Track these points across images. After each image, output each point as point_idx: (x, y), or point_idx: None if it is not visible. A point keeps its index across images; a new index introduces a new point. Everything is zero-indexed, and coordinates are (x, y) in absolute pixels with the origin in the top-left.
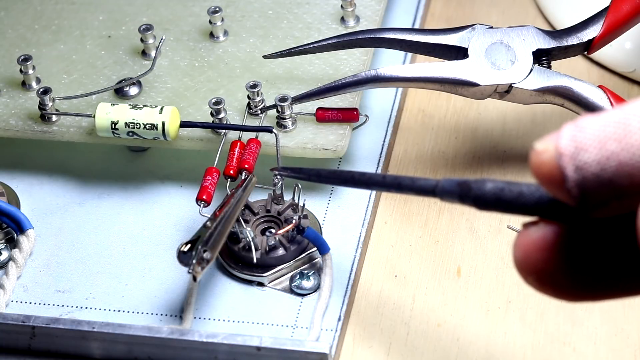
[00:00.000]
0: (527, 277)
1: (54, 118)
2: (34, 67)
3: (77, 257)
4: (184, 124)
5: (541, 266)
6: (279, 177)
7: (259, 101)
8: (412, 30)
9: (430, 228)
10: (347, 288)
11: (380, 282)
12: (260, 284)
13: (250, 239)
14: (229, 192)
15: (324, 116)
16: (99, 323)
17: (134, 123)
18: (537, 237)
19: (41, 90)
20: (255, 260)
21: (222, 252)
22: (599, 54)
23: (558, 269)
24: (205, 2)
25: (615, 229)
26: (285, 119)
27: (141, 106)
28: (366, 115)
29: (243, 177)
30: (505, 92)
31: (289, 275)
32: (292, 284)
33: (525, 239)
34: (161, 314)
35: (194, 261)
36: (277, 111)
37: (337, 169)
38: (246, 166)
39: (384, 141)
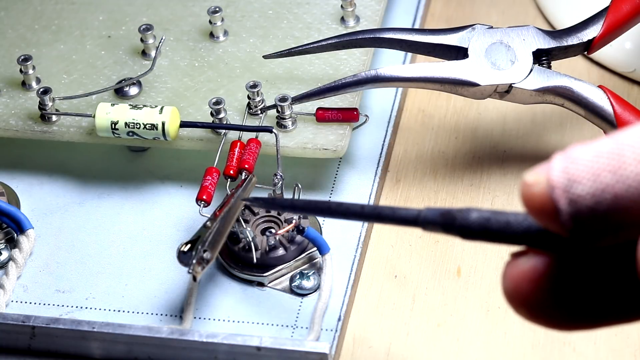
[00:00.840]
0: (519, 309)
1: (54, 118)
2: (34, 67)
3: (77, 257)
4: (184, 124)
5: (533, 298)
6: (278, 177)
7: (259, 101)
8: (412, 30)
9: None
10: (347, 288)
11: (380, 282)
12: (260, 284)
13: (250, 239)
14: (229, 192)
15: (324, 116)
16: (99, 323)
17: (134, 123)
18: (527, 268)
19: (41, 90)
20: (255, 260)
21: (222, 252)
22: (599, 54)
23: (550, 301)
24: (205, 2)
25: (608, 258)
26: (285, 119)
27: (141, 106)
28: (366, 115)
29: (243, 177)
30: (505, 92)
31: (289, 275)
32: (292, 284)
33: (514, 270)
34: (161, 314)
35: (194, 261)
36: (277, 111)
37: (313, 200)
38: (246, 166)
39: (384, 141)
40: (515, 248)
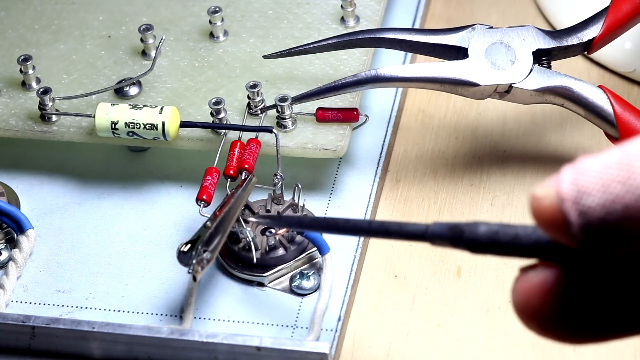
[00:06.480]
0: (529, 323)
1: (54, 118)
2: (34, 67)
3: (77, 257)
4: (184, 124)
5: (543, 311)
6: (278, 177)
7: (259, 101)
8: (412, 30)
9: None
10: (347, 288)
11: (380, 282)
12: (260, 284)
13: (250, 239)
14: (229, 192)
15: (324, 116)
16: (99, 323)
17: (134, 123)
18: (537, 281)
19: (41, 90)
20: (255, 260)
21: (222, 252)
22: (599, 54)
23: (561, 314)
24: (205, 2)
25: (618, 269)
26: (285, 119)
27: (141, 106)
28: (366, 115)
29: (243, 177)
30: (505, 92)
31: (289, 275)
32: (292, 284)
33: (524, 283)
34: (161, 314)
35: (194, 261)
36: (277, 111)
37: (320, 217)
38: (246, 166)
39: (384, 141)
40: (525, 262)
